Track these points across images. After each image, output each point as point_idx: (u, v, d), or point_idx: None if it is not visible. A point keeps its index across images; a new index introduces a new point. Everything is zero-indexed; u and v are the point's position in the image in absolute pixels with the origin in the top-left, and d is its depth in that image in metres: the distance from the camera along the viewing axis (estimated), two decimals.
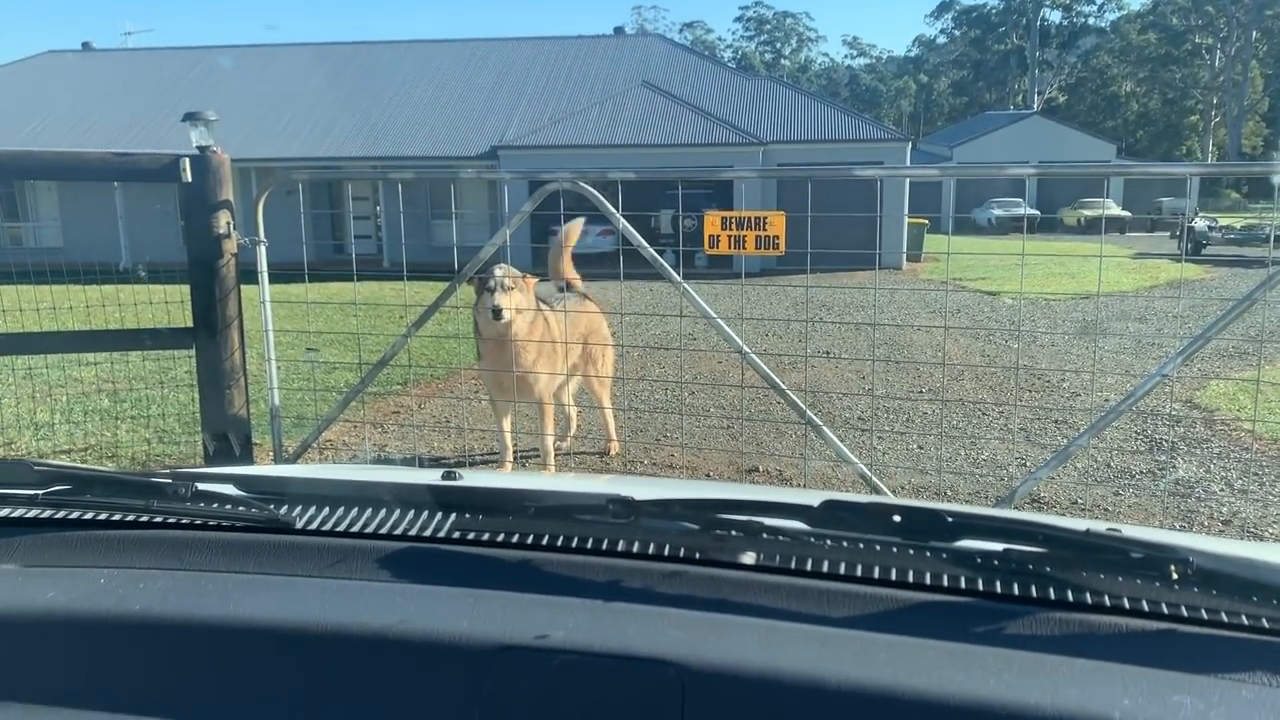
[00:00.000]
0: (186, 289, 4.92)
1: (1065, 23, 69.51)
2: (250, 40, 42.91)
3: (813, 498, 1.15)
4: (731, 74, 31.78)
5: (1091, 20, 69.18)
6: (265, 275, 5.11)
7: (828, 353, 9.98)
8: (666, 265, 4.34)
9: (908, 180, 23.45)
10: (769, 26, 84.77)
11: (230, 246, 4.84)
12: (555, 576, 1.09)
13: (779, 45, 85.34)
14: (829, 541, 1.11)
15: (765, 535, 1.11)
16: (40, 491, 1.26)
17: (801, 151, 24.77)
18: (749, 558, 1.12)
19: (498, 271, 5.08)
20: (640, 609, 1.03)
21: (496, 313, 4.99)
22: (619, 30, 36.69)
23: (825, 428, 4.37)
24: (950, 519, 1.10)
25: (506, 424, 5.58)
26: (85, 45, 35.41)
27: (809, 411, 4.40)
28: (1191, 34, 61.61)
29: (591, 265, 7.97)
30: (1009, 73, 72.27)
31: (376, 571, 1.13)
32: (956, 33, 76.23)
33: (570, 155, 23.90)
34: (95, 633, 1.02)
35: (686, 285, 4.35)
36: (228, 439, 4.99)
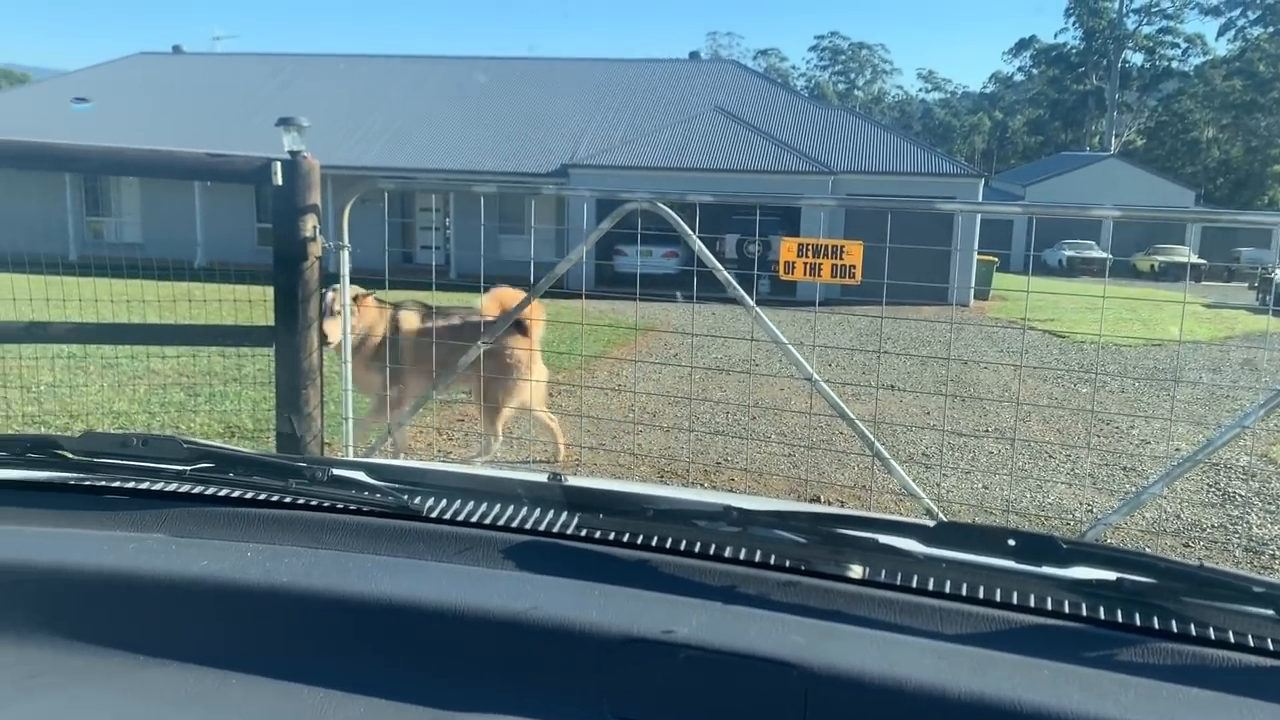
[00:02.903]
0: (255, 288, 5.07)
1: (1148, 65, 68.35)
2: (332, 50, 43.98)
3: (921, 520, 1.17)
4: (804, 102, 31.79)
5: (1175, 64, 67.95)
6: (347, 280, 5.22)
7: (893, 386, 9.90)
8: (740, 289, 4.36)
9: (979, 217, 23.20)
10: (844, 57, 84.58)
11: (315, 250, 4.96)
12: (673, 578, 1.13)
13: (853, 76, 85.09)
14: (945, 562, 1.13)
15: (880, 551, 1.14)
16: (187, 468, 1.33)
17: (872, 183, 24.66)
18: (861, 571, 1.15)
19: (328, 295, 5.21)
20: (759, 613, 1.06)
21: (321, 339, 5.02)
22: (694, 55, 36.93)
23: (893, 460, 4.35)
24: (1064, 545, 1.12)
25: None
26: (176, 48, 36.54)
27: (877, 443, 4.38)
28: (1279, 81, 60.23)
29: (655, 286, 8.01)
30: (1086, 113, 71.21)
31: (502, 561, 1.17)
32: (1034, 71, 75.34)
33: (639, 176, 24.07)
34: (246, 602, 1.07)
35: (759, 311, 4.36)
36: (300, 437, 5.10)
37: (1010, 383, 10.62)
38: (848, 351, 11.44)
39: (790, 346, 4.35)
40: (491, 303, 5.88)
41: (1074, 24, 69.69)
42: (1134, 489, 6.00)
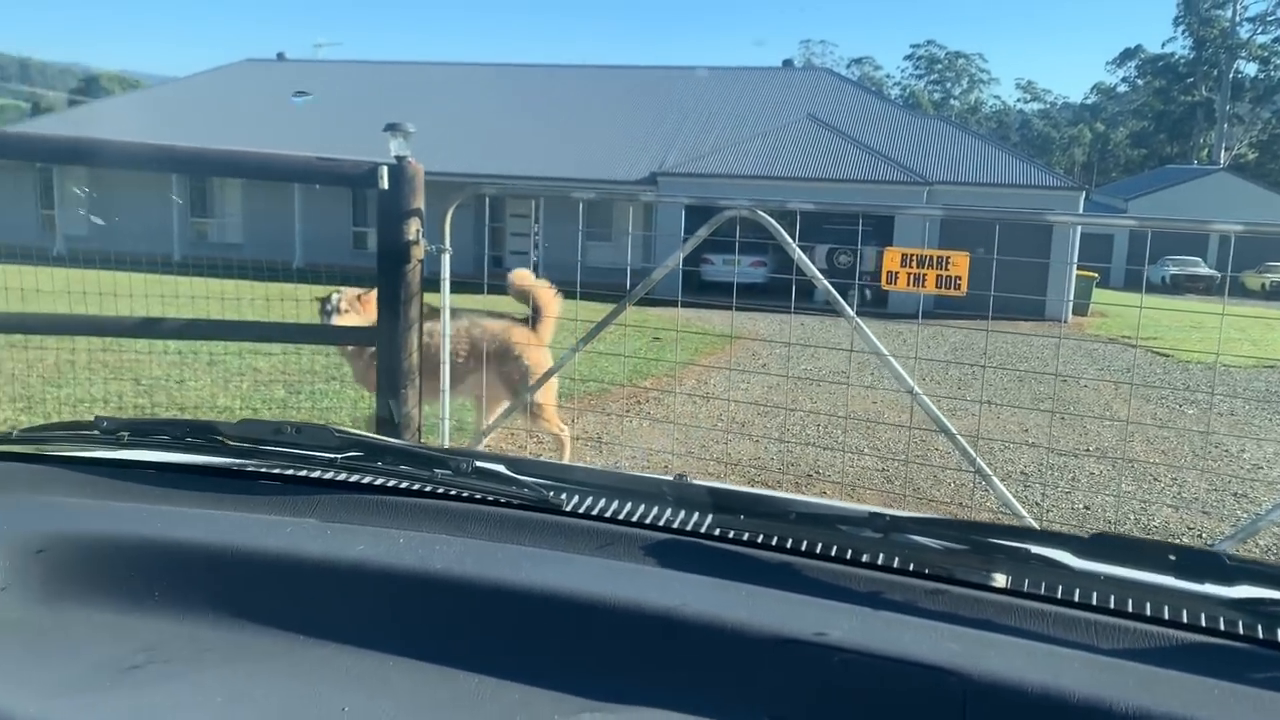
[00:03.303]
0: (346, 289, 5.23)
1: (1261, 76, 65.74)
2: (429, 57, 44.87)
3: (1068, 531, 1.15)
4: (898, 111, 31.37)
5: None
6: (447, 283, 5.30)
7: (989, 401, 9.68)
8: (840, 300, 4.31)
9: (1079, 230, 22.60)
10: (940, 66, 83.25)
11: (418, 253, 5.04)
12: (817, 581, 1.12)
13: (949, 85, 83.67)
14: (1101, 575, 1.10)
15: (1032, 562, 1.11)
16: (338, 455, 1.37)
17: (967, 194, 24.21)
18: (1006, 581, 1.13)
19: (334, 297, 5.35)
20: (910, 619, 1.05)
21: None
22: (787, 63, 36.73)
23: (994, 477, 4.25)
24: (1229, 562, 1.08)
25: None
26: (280, 55, 37.73)
27: (979, 459, 4.28)
28: None
29: (742, 295, 7.96)
30: (1194, 126, 68.76)
31: (643, 557, 1.18)
32: (1139, 82, 73.10)
33: (730, 185, 24.02)
34: (401, 587, 1.10)
35: (859, 321, 4.31)
36: (398, 437, 5.20)
37: (1111, 401, 10.30)
38: (942, 365, 11.23)
39: (891, 359, 4.28)
40: (517, 279, 5.88)
41: (1183, 33, 67.42)
42: (1246, 515, 5.75)
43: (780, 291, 4.34)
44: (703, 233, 4.54)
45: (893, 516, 1.16)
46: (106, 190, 29.65)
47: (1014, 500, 4.25)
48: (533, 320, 5.86)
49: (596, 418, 7.88)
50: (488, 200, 27.13)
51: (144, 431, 1.48)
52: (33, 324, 4.99)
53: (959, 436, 4.30)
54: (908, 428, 5.77)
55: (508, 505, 1.29)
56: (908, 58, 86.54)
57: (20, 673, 0.97)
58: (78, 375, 7.17)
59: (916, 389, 4.31)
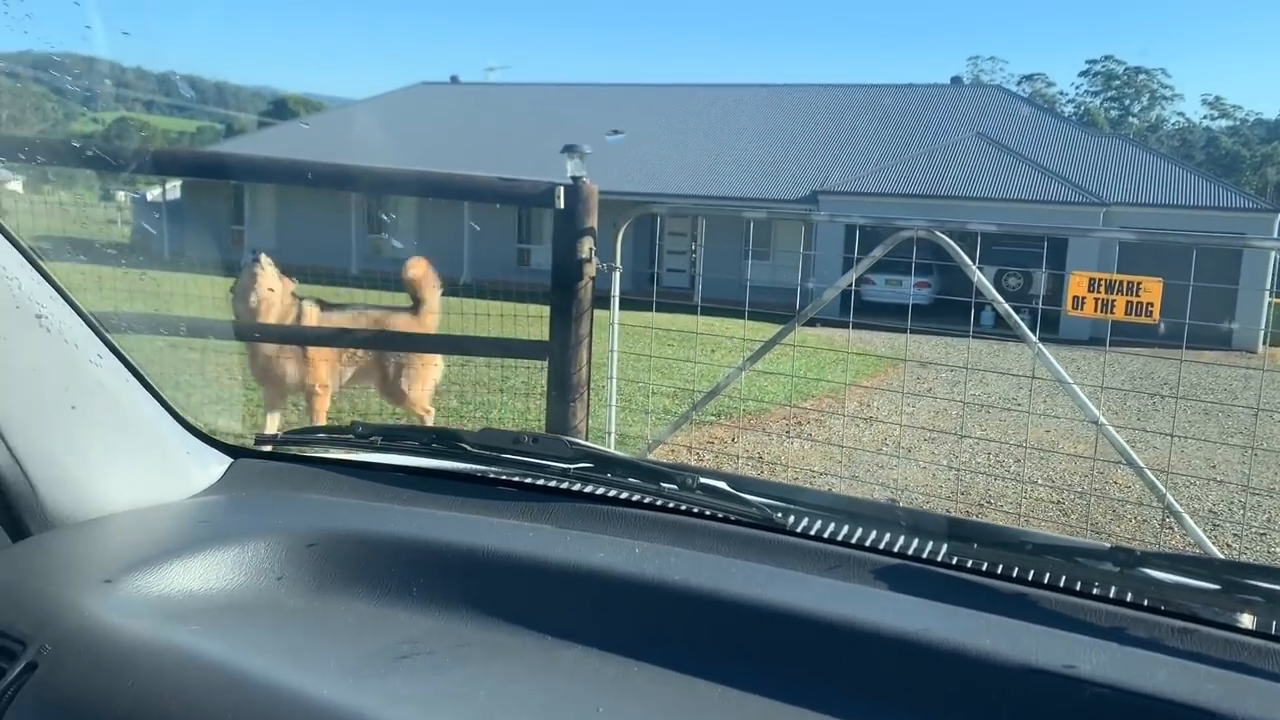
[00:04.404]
0: (512, 304, 5.38)
1: None
2: (594, 79, 45.93)
3: None
4: (1073, 129, 30.14)
5: None
6: (617, 299, 5.41)
7: (1175, 434, 9.15)
8: (1022, 324, 4.18)
9: (1272, 256, 21.14)
10: (1118, 82, 79.48)
11: (590, 270, 5.17)
12: (1058, 614, 1.10)
13: (1127, 102, 79.77)
14: None
15: None
16: (571, 466, 1.43)
17: (1148, 215, 22.99)
18: (1259, 624, 1.08)
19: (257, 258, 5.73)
20: (1160, 657, 1.02)
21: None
22: (955, 81, 35.83)
23: (1185, 514, 4.03)
24: None
25: None
26: (453, 79, 39.27)
27: (1169, 495, 4.07)
28: None
29: (903, 317, 7.84)
30: None
31: (875, 581, 1.18)
32: None
33: (894, 204, 23.59)
34: (641, 595, 1.14)
35: (1042, 347, 4.17)
36: None
37: None
38: (1119, 394, 10.70)
39: (1074, 386, 4.13)
40: (409, 268, 6.20)
41: None
42: None
43: (943, 313, 4.28)
44: (878, 253, 4.50)
45: (1136, 551, 1.13)
46: (289, 206, 31.45)
47: (1206, 539, 4.02)
48: (415, 309, 6.17)
49: (757, 437, 7.86)
50: (659, 219, 27.50)
51: (394, 437, 1.58)
52: (242, 333, 5.39)
53: (1147, 470, 4.10)
54: (1088, 459, 5.53)
55: (733, 522, 1.32)
56: (1083, 74, 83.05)
57: (305, 655, 1.05)
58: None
59: (1101, 419, 4.14)
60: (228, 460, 1.52)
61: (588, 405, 5.37)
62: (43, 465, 1.23)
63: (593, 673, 1.06)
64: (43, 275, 1.19)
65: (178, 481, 1.42)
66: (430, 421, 6.56)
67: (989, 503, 6.19)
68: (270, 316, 5.64)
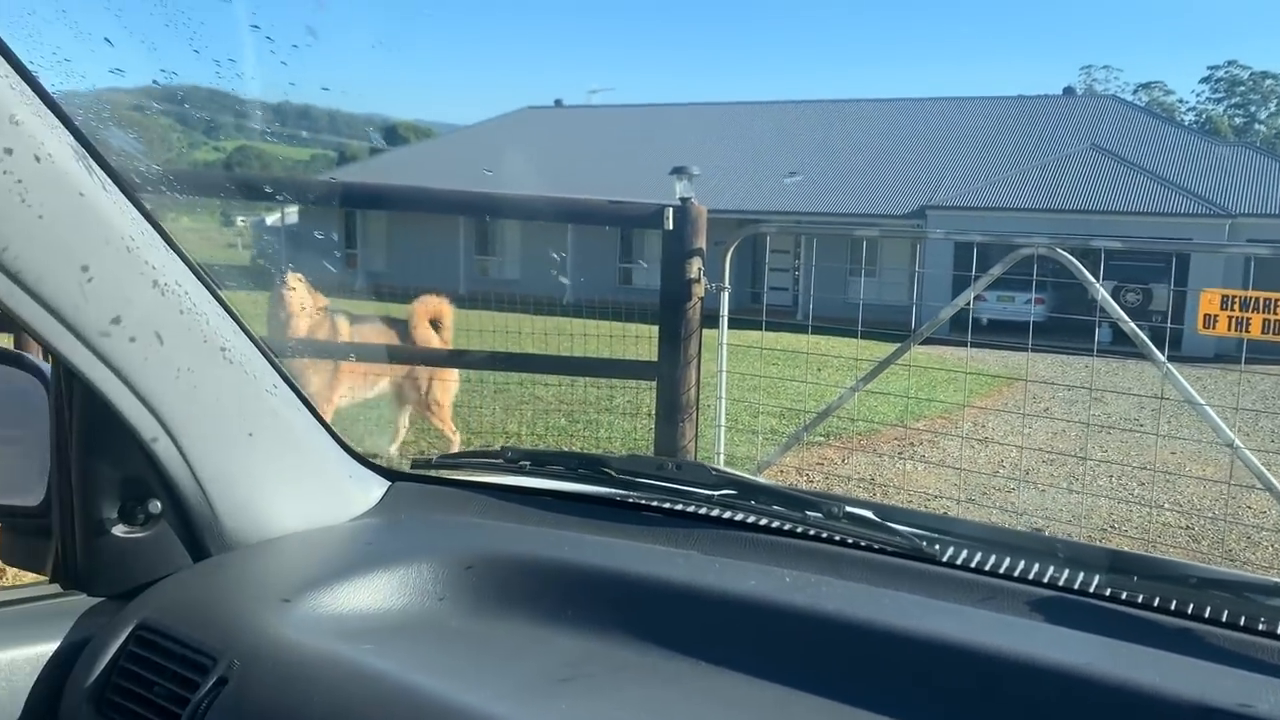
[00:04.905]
0: (611, 324, 5.41)
1: None
2: (694, 98, 46.17)
3: None
4: (1195, 138, 29.01)
5: None
6: (725, 319, 5.40)
7: None
8: (1150, 344, 4.03)
9: None
10: (1242, 88, 76.13)
11: (699, 290, 5.18)
12: (1227, 651, 1.06)
13: (1253, 109, 76.33)
14: None
15: None
16: (715, 493, 1.44)
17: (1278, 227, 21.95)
18: None
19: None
20: None
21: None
22: (1068, 91, 34.87)
23: None
24: None
25: None
26: (557, 102, 39.93)
27: None
28: None
29: (1018, 334, 7.65)
30: None
31: (1033, 614, 1.15)
32: None
33: (1006, 218, 23.02)
34: (796, 624, 1.13)
35: (1170, 367, 4.01)
36: None
37: None
38: (1250, 415, 10.21)
39: (1207, 408, 3.96)
40: (420, 307, 6.47)
41: None
42: None
43: (1058, 330, 4.18)
44: (997, 270, 4.41)
45: None
46: (399, 229, 32.29)
47: None
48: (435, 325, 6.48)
49: (867, 458, 7.74)
50: (768, 238, 27.42)
51: (542, 461, 1.62)
52: (395, 354, 5.68)
53: None
54: (1220, 483, 5.29)
55: (880, 552, 1.30)
56: (1204, 80, 79.80)
57: (473, 676, 1.08)
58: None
59: (1237, 441, 3.95)
60: (385, 483, 1.58)
61: (696, 425, 5.36)
62: (223, 490, 1.30)
63: (751, 701, 1.06)
64: (225, 309, 1.26)
65: (341, 504, 1.48)
66: (454, 434, 6.88)
67: (1113, 527, 5.96)
68: (302, 331, 5.94)
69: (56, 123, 0.99)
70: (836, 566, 1.27)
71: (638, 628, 1.18)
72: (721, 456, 5.47)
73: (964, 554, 1.27)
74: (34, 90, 0.96)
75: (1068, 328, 6.38)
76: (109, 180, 1.06)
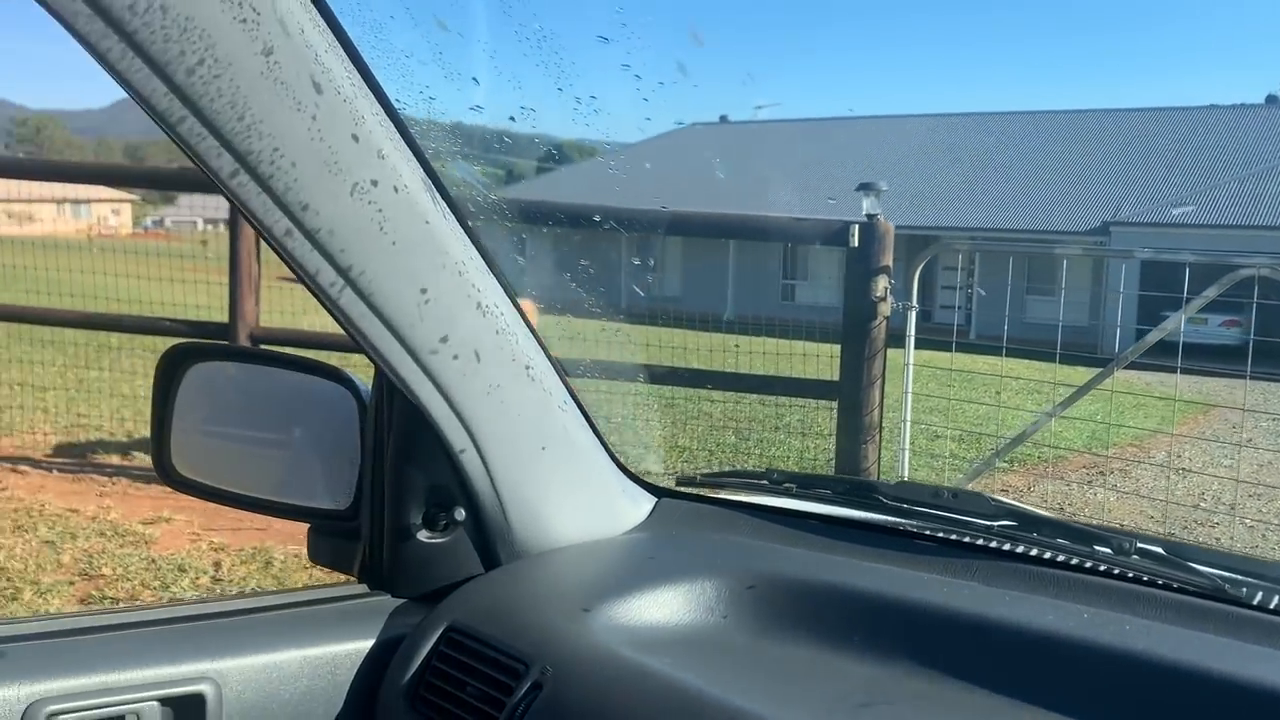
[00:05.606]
0: (775, 341, 5.33)
1: None
2: (868, 111, 45.53)
3: None
4: None
5: None
6: (912, 339, 5.27)
7: None
8: None
9: None
10: None
11: (885, 309, 5.07)
12: None
13: None
14: None
15: None
16: (994, 523, 1.39)
17: None
18: None
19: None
20: None
21: None
22: (1271, 100, 32.57)
23: None
24: None
25: None
26: (723, 118, 39.99)
27: None
28: None
29: (1211, 359, 7.19)
30: None
31: None
32: None
33: (1198, 235, 21.66)
34: (1100, 663, 1.09)
35: None
36: None
37: None
38: None
39: None
40: None
41: None
42: None
43: (1258, 355, 3.89)
44: (1211, 292, 4.15)
45: None
46: (559, 247, 32.89)
47: None
48: None
49: (1055, 486, 7.41)
50: (960, 256, 26.72)
51: (809, 484, 1.62)
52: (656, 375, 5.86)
53: None
54: None
55: (1180, 591, 1.23)
56: None
57: (773, 696, 1.08)
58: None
59: None
60: (653, 499, 1.60)
61: (879, 448, 5.25)
62: (517, 500, 1.36)
63: None
64: (530, 329, 1.31)
65: (615, 518, 1.52)
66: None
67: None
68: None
69: (412, 156, 1.06)
70: (1131, 604, 1.21)
71: (928, 658, 1.15)
72: (906, 468, 5.34)
73: (1276, 599, 1.18)
74: (396, 126, 1.03)
75: (1266, 351, 5.95)
76: (448, 209, 1.12)
